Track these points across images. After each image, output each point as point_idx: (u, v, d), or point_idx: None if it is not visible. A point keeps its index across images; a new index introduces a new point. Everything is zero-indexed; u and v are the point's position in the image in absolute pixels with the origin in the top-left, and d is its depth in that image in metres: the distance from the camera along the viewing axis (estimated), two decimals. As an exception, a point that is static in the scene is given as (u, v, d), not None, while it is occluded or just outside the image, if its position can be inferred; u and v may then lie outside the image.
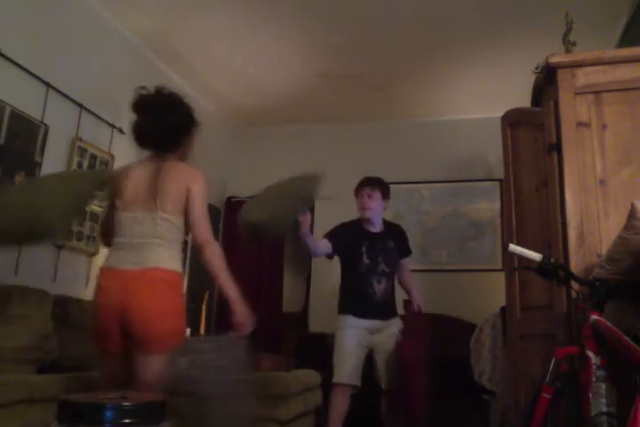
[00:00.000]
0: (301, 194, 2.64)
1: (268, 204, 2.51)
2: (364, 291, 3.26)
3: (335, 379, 3.18)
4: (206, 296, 5.01)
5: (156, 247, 2.10)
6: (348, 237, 3.32)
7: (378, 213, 3.37)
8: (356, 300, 3.28)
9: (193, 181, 2.21)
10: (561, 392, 1.89)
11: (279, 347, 5.27)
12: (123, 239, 2.15)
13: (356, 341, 3.19)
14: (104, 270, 2.14)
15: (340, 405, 3.17)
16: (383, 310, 3.28)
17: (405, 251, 3.49)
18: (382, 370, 3.21)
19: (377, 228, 3.39)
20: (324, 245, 3.26)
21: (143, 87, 2.24)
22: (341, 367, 3.16)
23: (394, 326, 3.28)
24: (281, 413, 3.08)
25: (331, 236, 3.31)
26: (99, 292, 2.11)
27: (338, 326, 3.28)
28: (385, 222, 3.47)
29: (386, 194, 3.42)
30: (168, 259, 2.12)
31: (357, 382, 3.17)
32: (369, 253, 3.29)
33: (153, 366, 2.05)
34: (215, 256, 2.17)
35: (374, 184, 3.39)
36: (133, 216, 2.15)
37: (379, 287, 3.27)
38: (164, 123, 2.18)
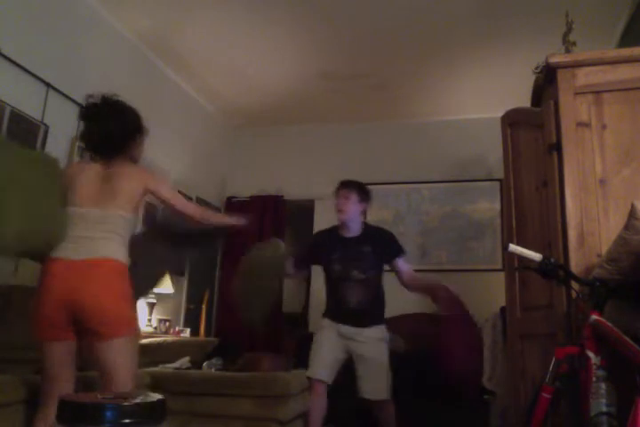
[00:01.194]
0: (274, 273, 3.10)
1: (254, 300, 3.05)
2: (338, 298, 3.18)
3: (306, 373, 3.14)
4: (206, 296, 5.01)
5: (109, 241, 2.24)
6: (317, 246, 3.30)
7: (354, 216, 3.24)
8: (332, 305, 3.24)
9: (149, 180, 2.39)
10: (561, 392, 1.89)
11: (279, 347, 5.27)
12: (73, 233, 2.24)
13: (330, 339, 3.14)
14: (55, 260, 2.20)
15: (314, 402, 3.09)
16: (358, 318, 3.15)
17: (391, 253, 3.26)
18: (363, 380, 3.10)
19: (353, 232, 3.26)
20: (289, 266, 3.25)
21: (91, 95, 2.38)
22: (312, 362, 3.12)
23: (372, 333, 3.14)
24: (281, 413, 3.08)
25: (296, 254, 3.33)
26: (49, 279, 2.17)
27: (319, 325, 3.28)
28: (366, 227, 3.32)
29: (363, 197, 3.28)
30: (119, 252, 2.26)
31: (325, 377, 3.09)
32: (341, 259, 3.18)
33: (119, 349, 2.15)
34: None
35: (352, 186, 3.28)
36: (87, 211, 2.27)
37: (352, 295, 3.14)
38: (107, 131, 2.34)
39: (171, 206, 2.44)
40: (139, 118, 2.44)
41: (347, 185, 3.31)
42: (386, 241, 3.30)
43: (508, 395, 3.08)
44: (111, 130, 2.33)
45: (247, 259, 3.16)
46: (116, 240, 2.25)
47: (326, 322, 3.21)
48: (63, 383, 2.16)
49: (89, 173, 2.34)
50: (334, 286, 3.21)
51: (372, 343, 3.12)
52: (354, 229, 3.26)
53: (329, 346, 3.14)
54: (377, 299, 3.24)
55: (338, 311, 3.20)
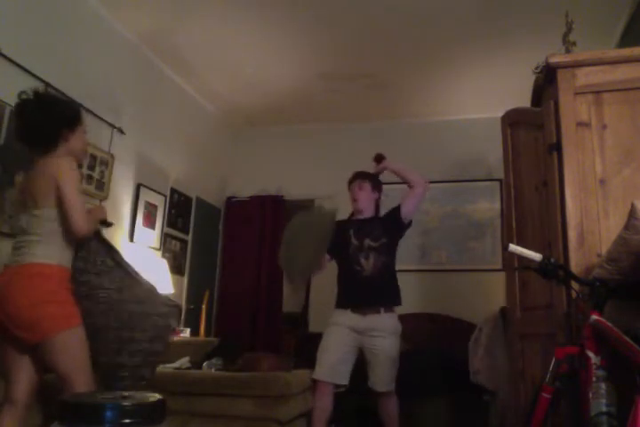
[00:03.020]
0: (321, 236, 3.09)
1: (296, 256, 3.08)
2: (352, 269, 3.23)
3: (312, 375, 3.14)
4: (206, 296, 5.01)
5: (31, 244, 2.21)
6: (337, 232, 3.38)
7: (369, 203, 3.40)
8: (345, 283, 3.27)
9: (57, 170, 2.23)
10: (561, 392, 1.89)
11: (279, 347, 5.27)
12: (15, 239, 2.30)
13: (337, 339, 3.14)
14: (4, 267, 2.26)
15: (319, 403, 3.11)
16: (371, 290, 3.18)
17: (394, 210, 3.39)
18: (373, 371, 3.14)
19: (367, 215, 3.42)
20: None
21: (23, 92, 2.32)
22: (320, 364, 3.12)
23: (385, 326, 3.15)
24: (281, 413, 3.07)
25: None
26: None
27: (329, 321, 3.27)
28: (378, 213, 3.48)
29: (376, 186, 3.46)
30: (42, 254, 2.20)
31: (338, 379, 3.11)
32: (357, 235, 3.30)
33: (54, 350, 2.11)
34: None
35: (365, 177, 3.45)
36: (17, 216, 2.31)
37: (367, 263, 3.22)
38: (31, 126, 2.30)
39: (64, 210, 2.21)
40: (66, 109, 2.36)
41: (360, 176, 3.48)
42: (389, 210, 3.45)
43: (507, 395, 3.08)
44: (35, 124, 2.28)
45: (292, 223, 3.25)
46: (41, 242, 2.20)
47: (336, 315, 3.20)
48: (18, 386, 2.18)
49: (30, 174, 2.32)
50: (350, 259, 3.26)
51: (385, 338, 3.14)
52: (368, 215, 3.42)
53: (336, 346, 3.14)
54: (389, 270, 3.29)
55: (351, 286, 3.24)
